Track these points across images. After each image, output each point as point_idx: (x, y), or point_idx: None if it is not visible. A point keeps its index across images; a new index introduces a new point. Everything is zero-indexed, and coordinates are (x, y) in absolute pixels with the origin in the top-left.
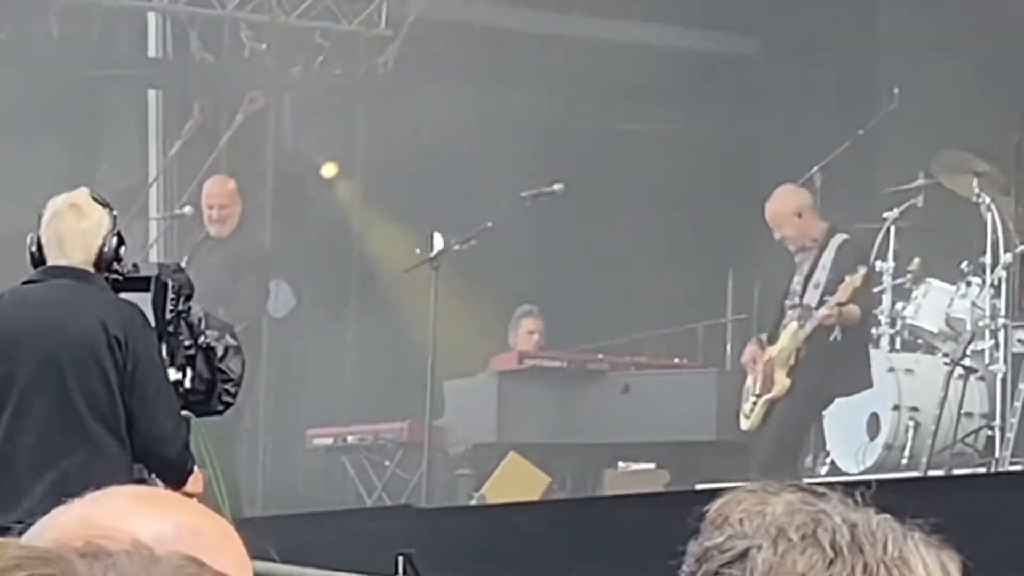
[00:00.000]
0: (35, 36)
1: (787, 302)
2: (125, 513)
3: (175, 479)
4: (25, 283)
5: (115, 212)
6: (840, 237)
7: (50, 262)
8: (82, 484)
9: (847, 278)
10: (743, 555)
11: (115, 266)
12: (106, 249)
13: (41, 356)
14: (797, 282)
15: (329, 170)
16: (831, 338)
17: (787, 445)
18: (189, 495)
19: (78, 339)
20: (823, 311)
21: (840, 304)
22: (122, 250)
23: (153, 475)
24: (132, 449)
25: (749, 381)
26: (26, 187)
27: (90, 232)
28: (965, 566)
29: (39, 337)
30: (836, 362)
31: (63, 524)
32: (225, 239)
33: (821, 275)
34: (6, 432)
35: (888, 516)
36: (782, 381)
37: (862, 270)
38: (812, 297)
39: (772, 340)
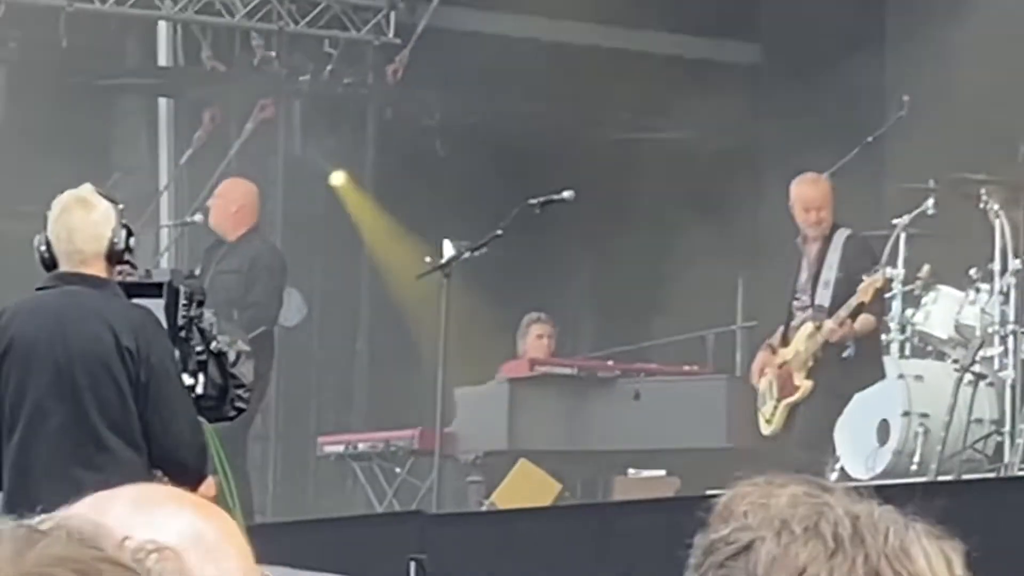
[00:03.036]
0: (45, 45)
1: (795, 303)
2: (127, 521)
3: (191, 484)
4: (39, 289)
5: (121, 206)
6: (844, 232)
7: (61, 259)
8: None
9: (865, 278)
10: (747, 548)
11: (127, 258)
12: (116, 240)
13: (54, 365)
14: (804, 280)
15: (338, 178)
16: (846, 344)
17: (815, 446)
18: None
19: (89, 348)
20: (832, 324)
21: (861, 304)
22: (132, 241)
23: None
24: (149, 456)
25: (763, 386)
26: (36, 196)
27: (99, 223)
28: (969, 556)
29: (52, 346)
30: (853, 361)
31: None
32: (236, 243)
33: (829, 274)
34: (21, 442)
35: (891, 508)
36: (803, 383)
37: (881, 272)
38: (823, 297)
39: (785, 342)
